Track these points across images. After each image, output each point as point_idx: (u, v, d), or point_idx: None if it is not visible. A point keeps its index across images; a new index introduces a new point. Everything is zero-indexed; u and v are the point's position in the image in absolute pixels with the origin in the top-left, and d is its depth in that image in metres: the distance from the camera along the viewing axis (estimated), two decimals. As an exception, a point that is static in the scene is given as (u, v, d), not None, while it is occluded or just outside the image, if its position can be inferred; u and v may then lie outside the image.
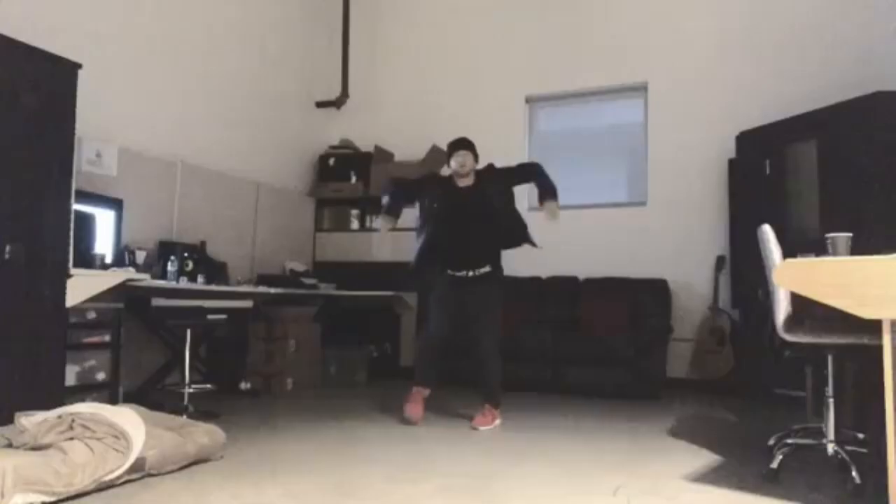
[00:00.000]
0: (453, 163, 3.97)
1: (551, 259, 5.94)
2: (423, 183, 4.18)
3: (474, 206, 3.91)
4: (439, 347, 3.98)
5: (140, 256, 4.38)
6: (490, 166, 4.10)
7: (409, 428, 3.74)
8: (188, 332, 4.18)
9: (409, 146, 6.51)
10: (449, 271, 3.97)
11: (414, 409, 3.80)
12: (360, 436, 3.55)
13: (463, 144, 4.00)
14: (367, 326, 6.09)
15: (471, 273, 3.93)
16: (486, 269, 3.96)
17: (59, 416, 2.55)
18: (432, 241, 3.95)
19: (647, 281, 5.47)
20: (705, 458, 3.06)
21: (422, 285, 4.24)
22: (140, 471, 2.56)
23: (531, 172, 4.14)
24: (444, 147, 4.20)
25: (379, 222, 4.13)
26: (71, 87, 3.30)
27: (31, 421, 2.55)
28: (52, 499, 2.25)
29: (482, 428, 3.74)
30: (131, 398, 3.91)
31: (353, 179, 6.55)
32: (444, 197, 3.98)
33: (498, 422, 3.85)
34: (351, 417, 4.03)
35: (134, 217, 4.59)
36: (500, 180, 4.05)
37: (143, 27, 4.88)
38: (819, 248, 2.58)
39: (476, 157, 4.01)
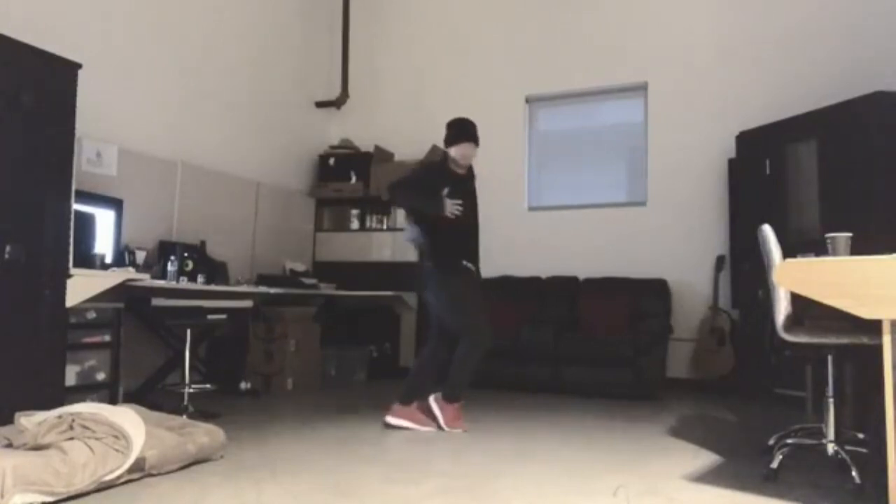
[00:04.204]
0: (457, 152, 3.74)
1: (551, 259, 5.97)
2: (428, 177, 3.89)
3: (471, 198, 3.80)
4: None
5: (140, 256, 4.38)
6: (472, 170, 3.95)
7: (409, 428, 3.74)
8: (188, 332, 4.18)
9: (409, 146, 6.51)
10: (466, 263, 3.73)
11: (461, 422, 3.66)
12: (360, 436, 3.55)
13: (472, 136, 3.78)
14: (367, 326, 6.09)
15: (475, 267, 3.81)
16: (479, 265, 3.85)
17: (59, 416, 2.55)
18: (454, 230, 3.69)
19: (647, 281, 5.48)
20: (705, 458, 3.06)
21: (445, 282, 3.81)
22: (140, 471, 2.56)
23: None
24: (442, 141, 3.92)
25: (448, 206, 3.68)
26: (71, 87, 3.30)
27: (31, 421, 2.55)
28: (52, 499, 2.25)
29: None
30: (131, 398, 3.91)
31: (353, 179, 6.55)
32: (452, 185, 3.71)
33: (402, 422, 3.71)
34: (351, 417, 4.03)
35: (134, 217, 4.59)
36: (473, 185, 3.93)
37: (143, 27, 4.88)
38: (819, 248, 2.58)
39: (478, 144, 3.85)
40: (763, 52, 5.51)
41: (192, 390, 4.13)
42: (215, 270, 4.85)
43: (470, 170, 3.89)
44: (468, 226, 3.75)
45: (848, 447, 2.65)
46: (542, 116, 6.50)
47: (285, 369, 5.11)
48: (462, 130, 3.78)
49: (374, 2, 7.09)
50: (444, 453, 3.19)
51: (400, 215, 6.39)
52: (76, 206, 3.43)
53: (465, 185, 3.79)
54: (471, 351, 3.66)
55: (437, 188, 3.67)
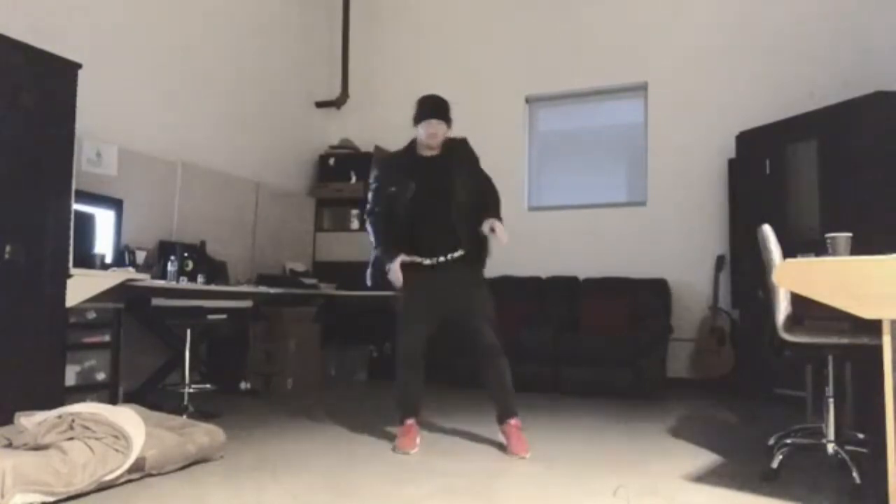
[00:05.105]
0: (422, 131, 3.32)
1: (551, 259, 5.97)
2: (385, 183, 3.42)
3: (440, 179, 3.29)
4: (420, 365, 3.34)
5: (140, 256, 4.38)
6: (464, 141, 3.45)
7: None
8: (188, 332, 4.18)
9: (409, 146, 6.51)
10: (417, 259, 3.30)
11: (408, 442, 3.22)
12: (360, 436, 3.55)
13: (437, 111, 3.33)
14: (367, 326, 6.08)
15: (442, 259, 3.27)
16: (460, 252, 3.28)
17: (59, 416, 2.56)
18: (393, 230, 3.33)
19: (647, 281, 5.48)
20: (705, 458, 3.06)
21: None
22: (140, 471, 2.56)
23: (492, 199, 3.39)
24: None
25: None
26: (71, 87, 3.30)
27: (31, 421, 2.55)
28: (52, 499, 2.25)
29: (528, 454, 3.09)
30: (131, 398, 3.91)
31: (353, 179, 6.54)
32: (405, 173, 3.34)
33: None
34: (351, 417, 4.03)
35: (134, 217, 4.59)
36: (471, 165, 3.40)
37: (143, 27, 4.88)
38: (819, 248, 2.58)
39: (449, 123, 3.37)
40: (763, 51, 5.50)
41: (192, 390, 4.13)
42: (215, 270, 4.85)
43: (451, 147, 3.40)
44: (420, 213, 3.29)
45: (848, 447, 2.65)
46: (542, 116, 6.50)
47: (285, 369, 5.11)
48: (424, 107, 3.36)
49: (373, 2, 7.09)
50: (444, 453, 3.19)
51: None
52: (76, 206, 3.43)
53: (434, 166, 3.33)
54: (396, 362, 3.40)
55: (400, 188, 3.32)
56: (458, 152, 3.40)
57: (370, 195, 3.49)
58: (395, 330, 3.43)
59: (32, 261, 3.08)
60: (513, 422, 3.25)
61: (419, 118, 3.34)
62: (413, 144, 3.43)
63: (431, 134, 3.31)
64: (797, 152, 4.68)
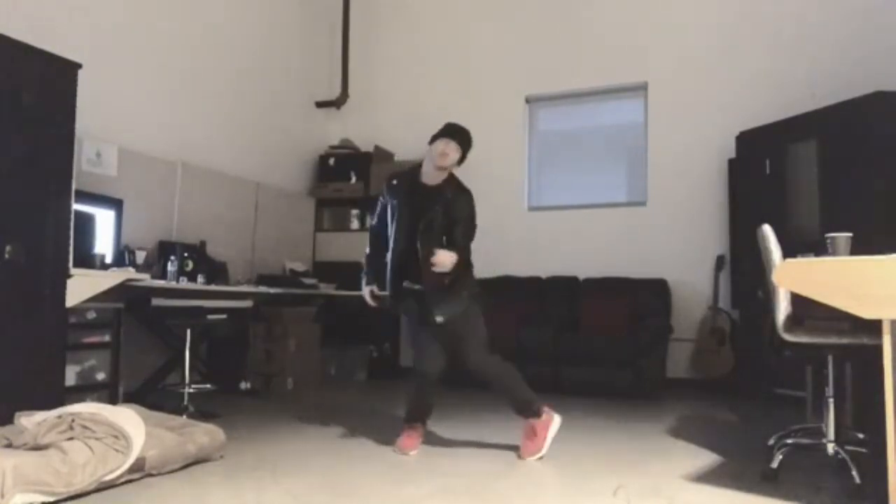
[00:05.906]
0: (438, 146, 3.22)
1: (551, 259, 5.97)
2: (384, 202, 3.45)
3: (431, 209, 3.20)
4: (435, 384, 3.33)
5: (140, 256, 4.38)
6: (468, 193, 3.30)
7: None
8: (188, 332, 4.18)
9: (409, 146, 6.51)
10: (406, 284, 3.30)
11: (409, 443, 3.25)
12: (360, 436, 3.55)
13: (458, 135, 3.25)
14: (367, 326, 6.09)
15: (419, 287, 3.25)
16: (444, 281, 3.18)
17: (59, 416, 2.56)
18: (381, 252, 3.39)
19: (647, 281, 5.47)
20: (705, 458, 3.06)
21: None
22: (140, 471, 2.57)
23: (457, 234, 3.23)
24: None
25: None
26: (71, 87, 3.30)
27: (31, 421, 2.55)
28: (52, 499, 2.25)
29: (533, 458, 3.11)
30: (131, 398, 3.91)
31: (353, 179, 6.55)
32: (405, 196, 3.30)
33: (553, 429, 3.21)
34: (351, 417, 4.03)
35: (134, 217, 4.59)
36: (458, 206, 3.23)
37: (143, 27, 4.88)
38: (819, 248, 2.58)
39: (463, 153, 3.27)
40: (763, 52, 5.50)
41: (192, 390, 4.13)
42: (215, 270, 4.85)
43: (455, 190, 3.27)
44: (409, 237, 3.24)
45: (848, 447, 2.65)
46: (542, 116, 6.50)
47: (285, 369, 5.11)
48: (447, 127, 3.32)
49: (374, 2, 7.09)
50: (444, 453, 3.19)
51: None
52: (76, 206, 3.43)
53: (429, 201, 3.22)
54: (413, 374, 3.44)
55: (393, 215, 3.33)
56: (458, 201, 3.24)
57: (376, 210, 3.53)
58: (413, 347, 3.46)
59: (32, 261, 3.08)
60: (531, 420, 3.21)
61: (438, 135, 3.27)
62: (417, 169, 3.35)
63: (443, 153, 3.19)
64: (797, 152, 4.68)
